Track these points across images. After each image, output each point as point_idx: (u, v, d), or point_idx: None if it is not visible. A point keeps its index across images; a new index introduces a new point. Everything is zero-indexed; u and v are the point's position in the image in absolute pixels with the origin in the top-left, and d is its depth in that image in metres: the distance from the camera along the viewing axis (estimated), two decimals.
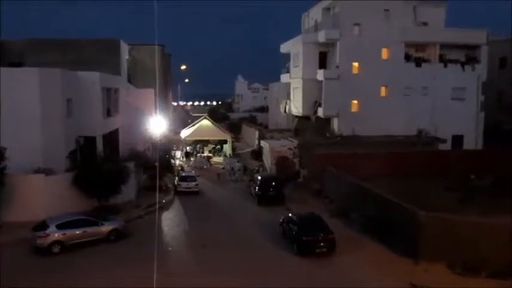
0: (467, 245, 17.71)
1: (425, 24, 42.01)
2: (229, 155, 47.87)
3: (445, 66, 41.40)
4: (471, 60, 42.05)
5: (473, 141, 41.12)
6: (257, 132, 49.07)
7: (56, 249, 19.53)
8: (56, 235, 19.56)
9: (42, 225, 19.79)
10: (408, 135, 39.33)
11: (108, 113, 30.51)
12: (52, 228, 19.60)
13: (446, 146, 39.08)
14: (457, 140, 40.62)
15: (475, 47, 42.02)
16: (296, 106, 44.57)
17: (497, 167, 30.46)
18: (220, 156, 48.90)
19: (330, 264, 18.96)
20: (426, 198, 22.97)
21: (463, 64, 41.74)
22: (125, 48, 39.45)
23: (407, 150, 35.23)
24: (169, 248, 21.02)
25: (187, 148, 48.47)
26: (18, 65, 30.69)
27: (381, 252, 20.18)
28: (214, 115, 72.16)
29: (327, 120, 40.96)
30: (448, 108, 40.38)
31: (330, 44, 40.57)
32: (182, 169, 39.07)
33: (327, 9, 42.18)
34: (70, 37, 41.54)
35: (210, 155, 48.41)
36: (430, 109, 40.52)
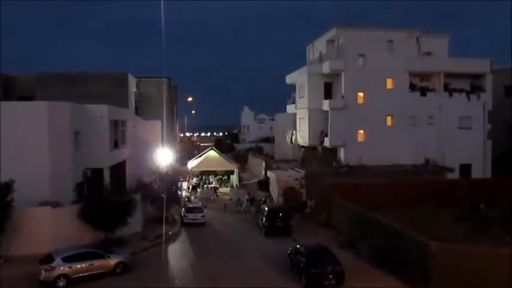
0: (479, 275, 17.31)
1: (429, 54, 42.58)
2: (236, 185, 47.74)
3: (450, 95, 41.61)
4: (476, 89, 42.25)
5: (481, 170, 40.85)
6: (263, 163, 49.06)
7: (62, 283, 19.21)
8: (62, 268, 19.31)
9: (48, 258, 19.61)
10: (415, 164, 39.14)
11: (116, 145, 30.73)
12: (58, 261, 19.38)
13: (454, 175, 38.77)
14: (465, 168, 40.42)
15: (479, 76, 42.34)
16: (302, 136, 44.68)
17: (507, 196, 30.01)
18: (227, 187, 48.77)
19: None
20: (436, 228, 22.60)
21: (468, 93, 41.92)
22: (132, 81, 40.16)
23: (415, 180, 34.94)
24: (176, 281, 20.72)
25: (194, 179, 48.43)
26: (28, 98, 31.27)
27: (391, 283, 19.74)
28: (221, 146, 72.54)
29: (334, 150, 40.93)
30: (455, 137, 40.30)
31: (335, 74, 41.02)
32: (189, 200, 38.96)
33: (331, 41, 42.81)
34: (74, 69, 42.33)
35: (217, 185, 48.29)
36: (436, 138, 40.53)
